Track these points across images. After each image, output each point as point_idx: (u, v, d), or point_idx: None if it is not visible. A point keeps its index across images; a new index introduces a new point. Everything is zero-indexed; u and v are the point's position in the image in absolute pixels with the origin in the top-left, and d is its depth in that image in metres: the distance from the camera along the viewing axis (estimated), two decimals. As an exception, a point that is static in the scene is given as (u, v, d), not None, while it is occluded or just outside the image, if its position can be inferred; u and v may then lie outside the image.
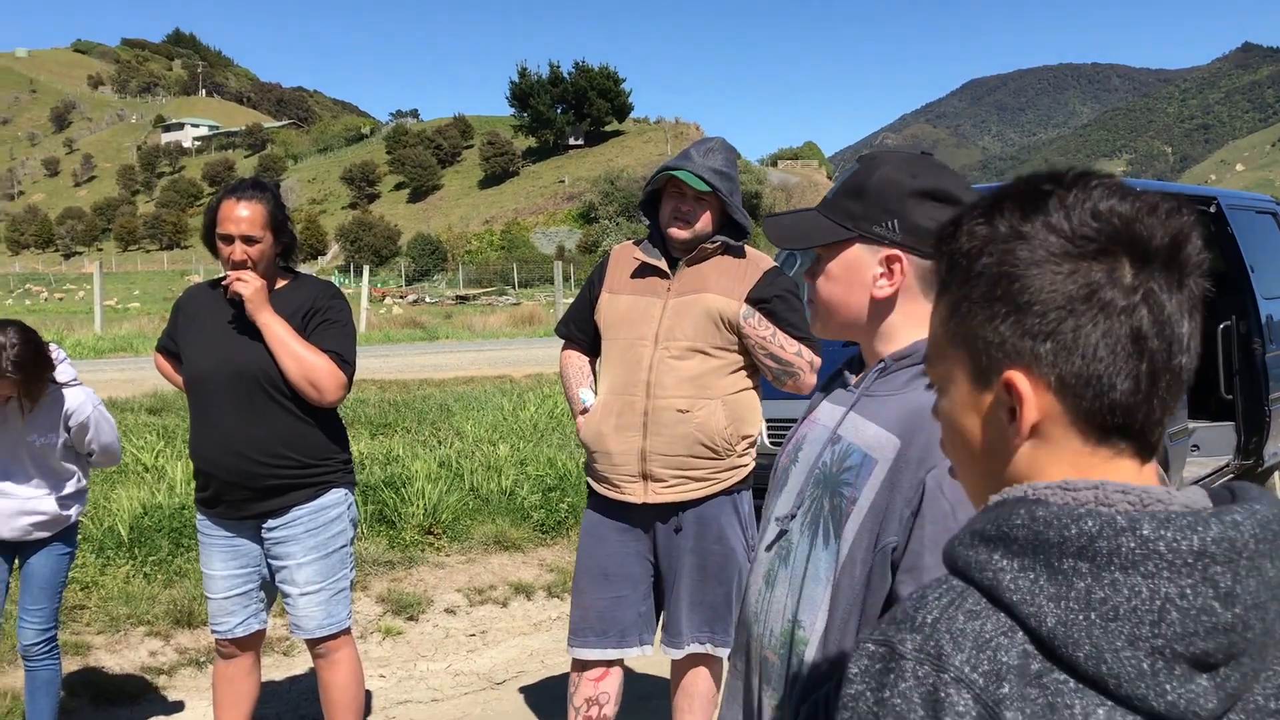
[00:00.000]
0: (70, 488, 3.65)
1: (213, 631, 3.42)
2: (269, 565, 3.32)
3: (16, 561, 3.65)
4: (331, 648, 3.34)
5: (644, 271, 3.25)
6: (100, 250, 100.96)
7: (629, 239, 3.54)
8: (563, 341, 3.49)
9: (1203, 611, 0.76)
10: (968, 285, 0.88)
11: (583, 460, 3.34)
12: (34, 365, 3.33)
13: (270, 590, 3.42)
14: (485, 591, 5.64)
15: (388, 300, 41.39)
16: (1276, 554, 0.79)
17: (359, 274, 22.90)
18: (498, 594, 5.63)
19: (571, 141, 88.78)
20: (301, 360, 3.14)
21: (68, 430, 3.55)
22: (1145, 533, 0.78)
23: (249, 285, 3.15)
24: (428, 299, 45.90)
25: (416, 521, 6.08)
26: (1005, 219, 0.86)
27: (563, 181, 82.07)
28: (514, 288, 51.91)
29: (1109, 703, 0.77)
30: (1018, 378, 0.85)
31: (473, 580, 5.72)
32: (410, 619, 5.27)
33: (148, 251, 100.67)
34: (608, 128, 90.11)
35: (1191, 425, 6.29)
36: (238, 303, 3.18)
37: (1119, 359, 0.82)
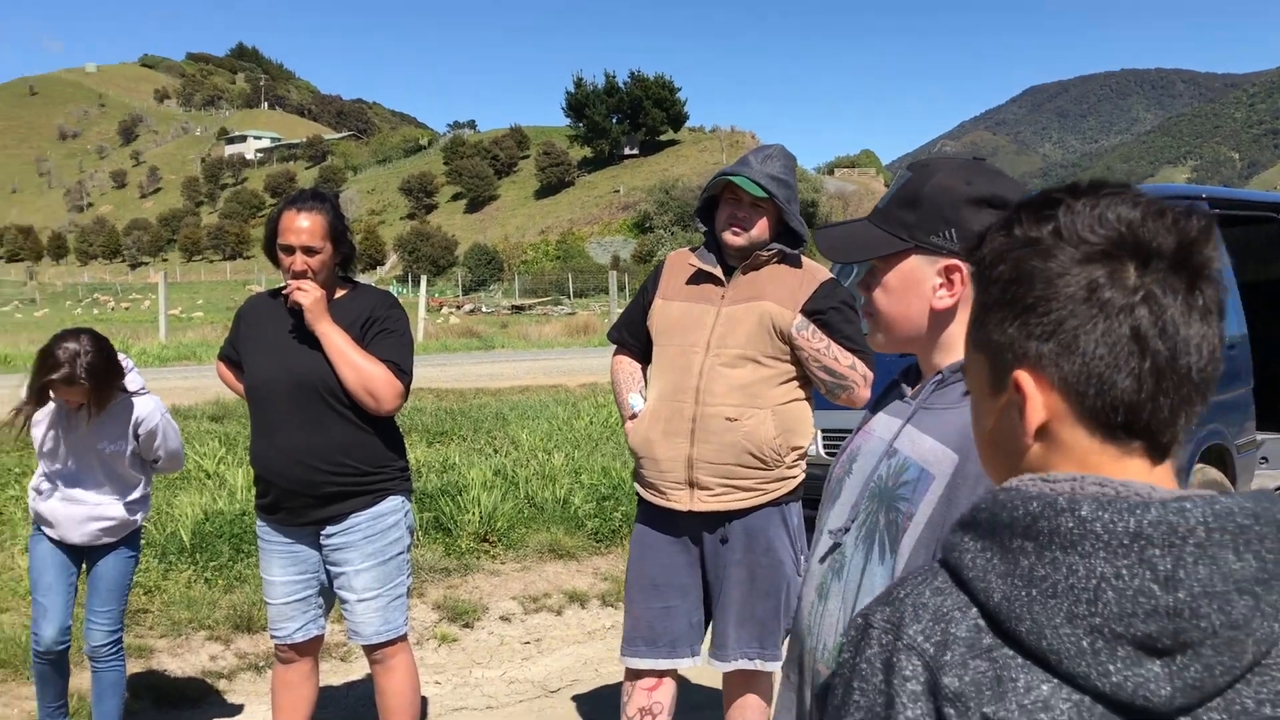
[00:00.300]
0: (136, 494, 3.73)
1: (272, 636, 3.47)
2: (327, 571, 3.36)
3: (84, 565, 3.73)
4: (388, 654, 3.36)
5: (699, 278, 3.24)
6: (165, 260, 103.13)
7: (685, 247, 3.53)
8: (615, 347, 3.49)
9: (1139, 593, 0.78)
10: (987, 292, 0.92)
11: (634, 469, 3.33)
12: (105, 373, 3.41)
13: (329, 596, 3.46)
14: (540, 599, 5.65)
15: (444, 310, 41.79)
16: (1244, 547, 0.80)
17: (416, 284, 23.15)
18: (552, 602, 5.65)
19: (627, 151, 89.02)
20: (359, 369, 3.17)
21: (136, 438, 3.63)
22: (1083, 513, 0.81)
23: (309, 295, 3.19)
24: (484, 309, 46.25)
25: (472, 529, 6.12)
26: (1021, 227, 0.90)
27: (618, 191, 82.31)
28: (569, 297, 52.11)
29: (1054, 680, 0.80)
30: (1023, 377, 0.88)
31: (527, 588, 5.74)
32: (466, 626, 5.30)
33: (211, 262, 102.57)
34: (663, 137, 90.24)
35: (1260, 437, 6.14)
36: (298, 312, 3.23)
37: (1119, 357, 0.84)
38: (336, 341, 3.18)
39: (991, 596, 0.83)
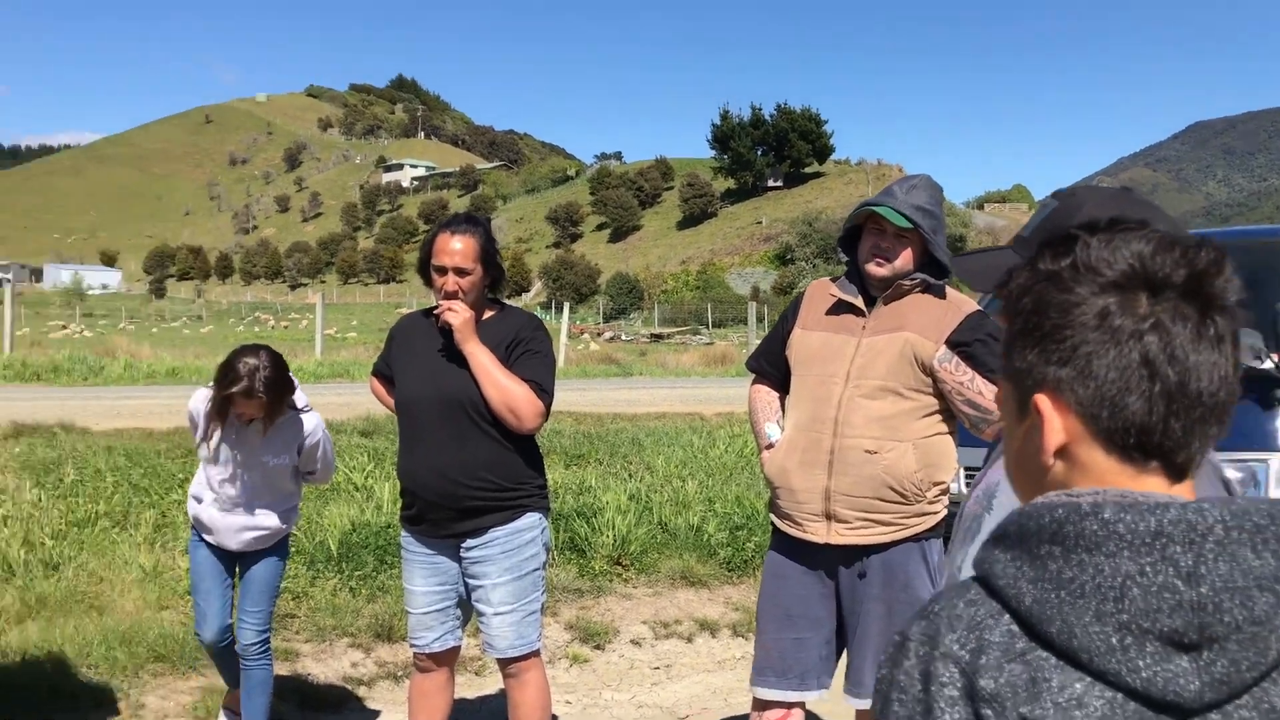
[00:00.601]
0: (289, 503, 3.91)
1: (411, 645, 3.57)
2: (466, 584, 3.45)
3: (238, 569, 3.92)
4: (522, 668, 3.43)
5: (839, 308, 3.22)
6: (323, 282, 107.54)
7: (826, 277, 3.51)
8: (753, 376, 3.49)
9: (1164, 589, 0.82)
10: (1013, 323, 0.98)
11: (769, 499, 3.32)
12: (280, 388, 3.59)
13: (466, 609, 3.54)
14: (671, 625, 5.67)
15: (585, 336, 42.40)
16: (1262, 545, 0.83)
17: (560, 310, 23.57)
18: (683, 629, 5.65)
19: (770, 183, 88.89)
20: (503, 388, 3.27)
21: (299, 452, 3.81)
22: (1106, 516, 0.85)
23: (459, 315, 3.30)
24: (624, 336, 46.73)
25: (606, 552, 6.18)
26: (1044, 262, 0.96)
27: (760, 223, 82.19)
28: (708, 327, 52.20)
29: (1087, 678, 0.83)
30: (1042, 400, 0.94)
31: (659, 613, 5.76)
32: (597, 647, 5.35)
33: (365, 284, 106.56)
34: (808, 169, 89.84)
35: None
36: (448, 331, 3.34)
37: (1130, 381, 0.90)
38: (482, 360, 3.28)
39: (1023, 601, 0.87)
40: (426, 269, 3.40)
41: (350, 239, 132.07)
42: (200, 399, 3.76)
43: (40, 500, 6.11)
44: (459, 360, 3.32)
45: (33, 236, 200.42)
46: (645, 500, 7.00)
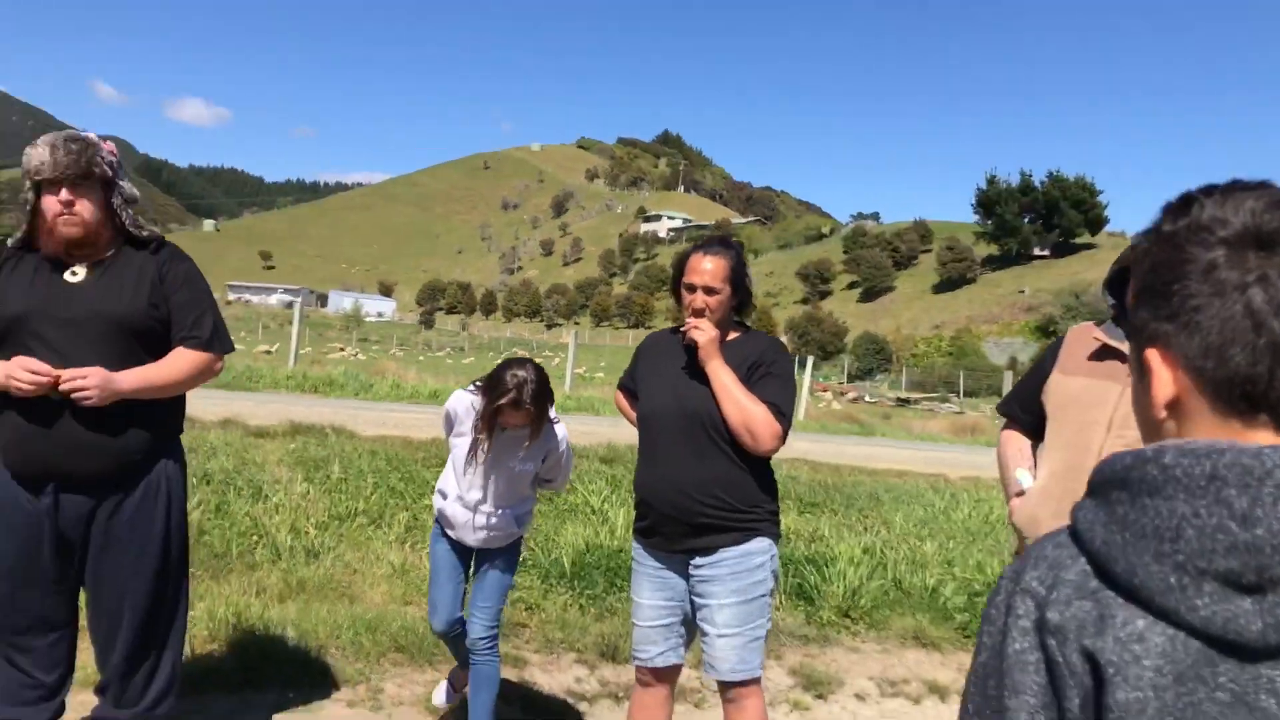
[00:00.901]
0: (526, 507, 4.04)
1: (634, 659, 3.59)
2: (692, 602, 3.45)
3: (471, 566, 4.08)
4: (741, 694, 3.38)
5: (1104, 354, 3.03)
6: (576, 324, 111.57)
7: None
8: (1003, 421, 3.34)
9: (1218, 530, 0.84)
10: (1134, 285, 1.02)
11: (1014, 549, 3.14)
12: (544, 400, 3.74)
13: (691, 629, 3.54)
14: (898, 684, 5.45)
15: (827, 395, 41.87)
16: None
17: (803, 366, 23.43)
18: (911, 690, 5.42)
19: (1036, 251, 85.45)
20: (742, 408, 3.26)
21: (544, 460, 3.94)
22: (1166, 460, 0.89)
23: (704, 334, 3.33)
24: (868, 398, 45.81)
25: (835, 602, 6.03)
26: (1164, 225, 0.99)
27: (1023, 292, 79.00)
28: (958, 395, 50.45)
29: (1149, 616, 0.87)
30: (1152, 355, 0.98)
31: (886, 671, 5.56)
32: (819, 697, 5.21)
33: (616, 328, 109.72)
34: (1078, 239, 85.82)
35: None
36: (693, 349, 3.38)
37: (1234, 333, 0.91)
38: (723, 379, 3.30)
39: (1094, 542, 0.93)
40: (678, 286, 3.46)
41: (606, 284, 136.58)
42: (458, 400, 3.94)
43: (308, 493, 6.58)
44: (701, 378, 3.35)
45: (323, 265, 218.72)
46: (880, 555, 6.81)
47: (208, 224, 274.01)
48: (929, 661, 5.75)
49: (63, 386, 2.99)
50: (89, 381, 3.00)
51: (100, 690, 3.35)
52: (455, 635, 4.05)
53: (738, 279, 3.42)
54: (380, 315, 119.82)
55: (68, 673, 3.36)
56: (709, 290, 3.36)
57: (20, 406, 3.04)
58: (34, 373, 2.97)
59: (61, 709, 3.38)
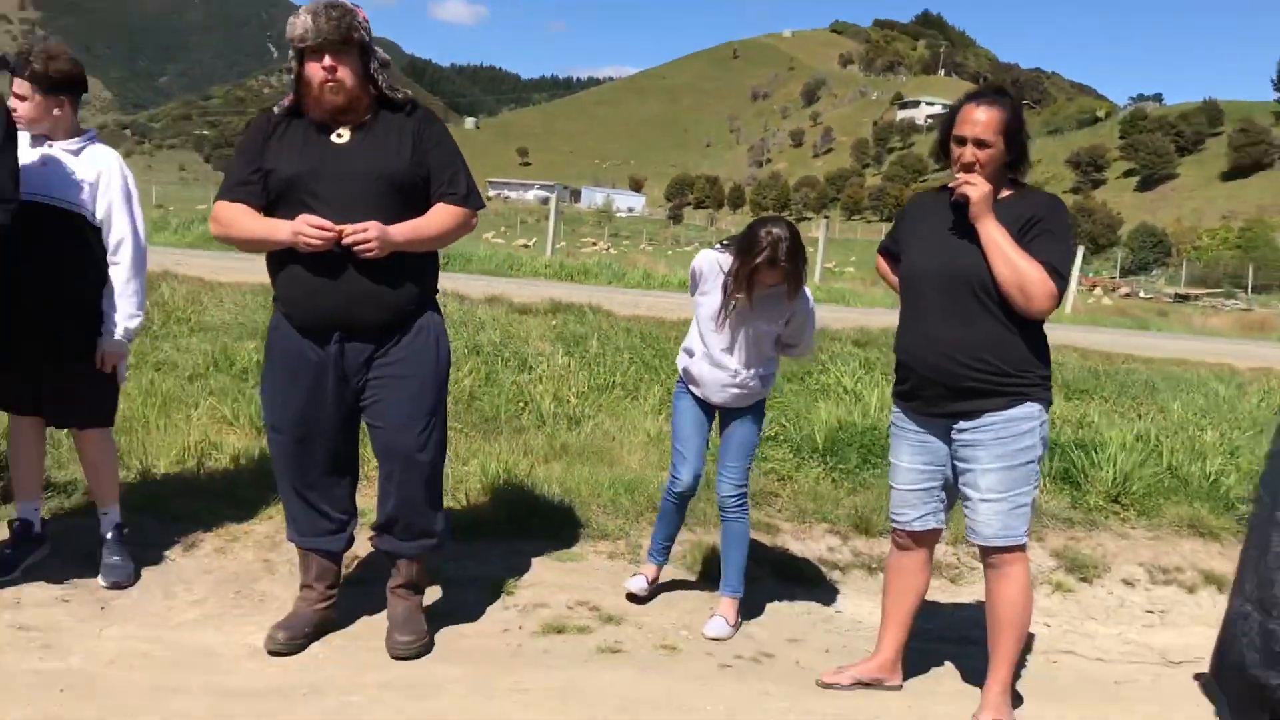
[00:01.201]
0: (769, 369, 4.03)
1: (891, 521, 3.57)
2: (954, 466, 3.37)
3: (714, 424, 4.13)
4: (1004, 560, 3.30)
5: None
6: (826, 218, 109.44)
7: None
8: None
9: None
10: None
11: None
12: (799, 257, 3.72)
13: (951, 494, 3.47)
14: (1170, 572, 5.17)
15: (1097, 290, 39.42)
16: None
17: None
18: (1185, 578, 5.14)
19: (1347, 131, 76.37)
20: (1015, 266, 3.11)
21: (786, 324, 3.92)
22: None
23: (976, 189, 3.18)
24: (1142, 294, 42.86)
25: (1104, 487, 5.76)
26: None
27: (1327, 176, 71.06)
28: (1246, 291, 46.30)
29: None
30: None
31: (1158, 558, 5.28)
32: (1083, 579, 5.03)
33: (869, 221, 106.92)
34: (1399, 116, 75.96)
35: None
36: (960, 207, 3.24)
37: None
38: (995, 236, 3.15)
39: None
40: (946, 141, 3.31)
41: (858, 175, 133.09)
42: (704, 259, 3.96)
43: (569, 366, 6.85)
44: (970, 236, 3.21)
45: (575, 160, 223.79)
46: (1154, 443, 6.42)
47: (469, 122, 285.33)
48: (1206, 552, 5.41)
49: (346, 240, 3.21)
50: (369, 234, 3.20)
51: (383, 528, 3.63)
52: (689, 494, 4.10)
53: (1012, 132, 3.23)
54: (630, 210, 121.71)
55: (353, 512, 3.70)
56: (980, 143, 3.19)
57: (305, 262, 3.28)
58: (321, 229, 3.20)
59: (351, 540, 3.73)
